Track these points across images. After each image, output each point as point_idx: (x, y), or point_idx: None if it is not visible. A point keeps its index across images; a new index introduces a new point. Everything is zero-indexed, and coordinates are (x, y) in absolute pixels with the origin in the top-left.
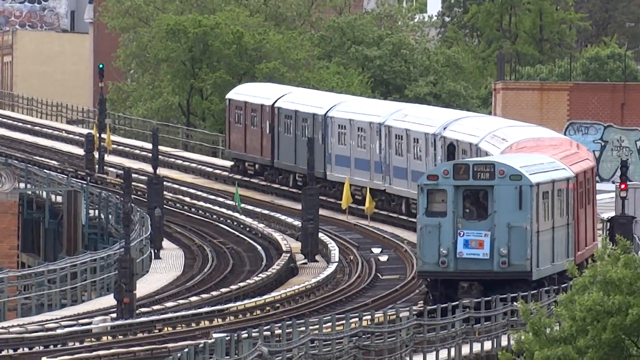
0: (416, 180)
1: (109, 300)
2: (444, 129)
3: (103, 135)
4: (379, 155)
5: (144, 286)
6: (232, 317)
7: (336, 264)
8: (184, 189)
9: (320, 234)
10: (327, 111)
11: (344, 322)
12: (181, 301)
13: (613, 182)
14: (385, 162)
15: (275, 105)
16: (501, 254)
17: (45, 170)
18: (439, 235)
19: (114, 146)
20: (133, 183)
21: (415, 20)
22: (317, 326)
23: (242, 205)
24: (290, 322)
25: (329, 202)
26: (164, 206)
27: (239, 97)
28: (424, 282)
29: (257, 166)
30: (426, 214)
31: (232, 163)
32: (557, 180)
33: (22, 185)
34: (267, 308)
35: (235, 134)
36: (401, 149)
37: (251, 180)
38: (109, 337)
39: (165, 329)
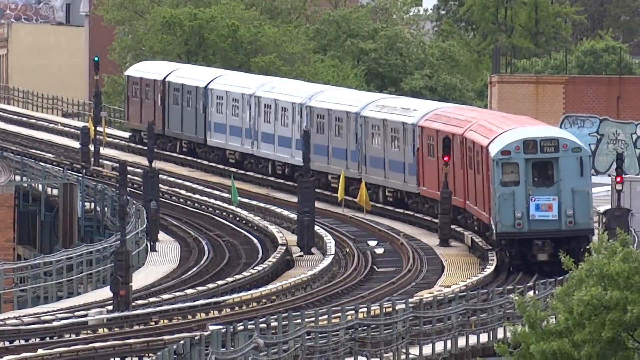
0: (283, 144)
1: (105, 293)
2: (310, 99)
3: (99, 128)
4: (249, 123)
5: (140, 278)
6: (228, 310)
7: (332, 256)
8: (180, 181)
9: (316, 227)
10: (208, 84)
11: (340, 314)
12: (177, 293)
13: (609, 175)
14: (254, 128)
15: (166, 79)
16: (567, 214)
17: (41, 163)
18: (514, 201)
19: (110, 139)
20: (129, 176)
21: (411, 13)
22: (313, 318)
23: (238, 198)
24: (286, 314)
25: (325, 195)
26: (160, 199)
27: (135, 73)
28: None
29: None
30: (501, 184)
31: (129, 134)
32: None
33: (17, 178)
34: (263, 300)
35: (132, 107)
36: (269, 117)
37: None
38: (105, 330)
39: (162, 321)
